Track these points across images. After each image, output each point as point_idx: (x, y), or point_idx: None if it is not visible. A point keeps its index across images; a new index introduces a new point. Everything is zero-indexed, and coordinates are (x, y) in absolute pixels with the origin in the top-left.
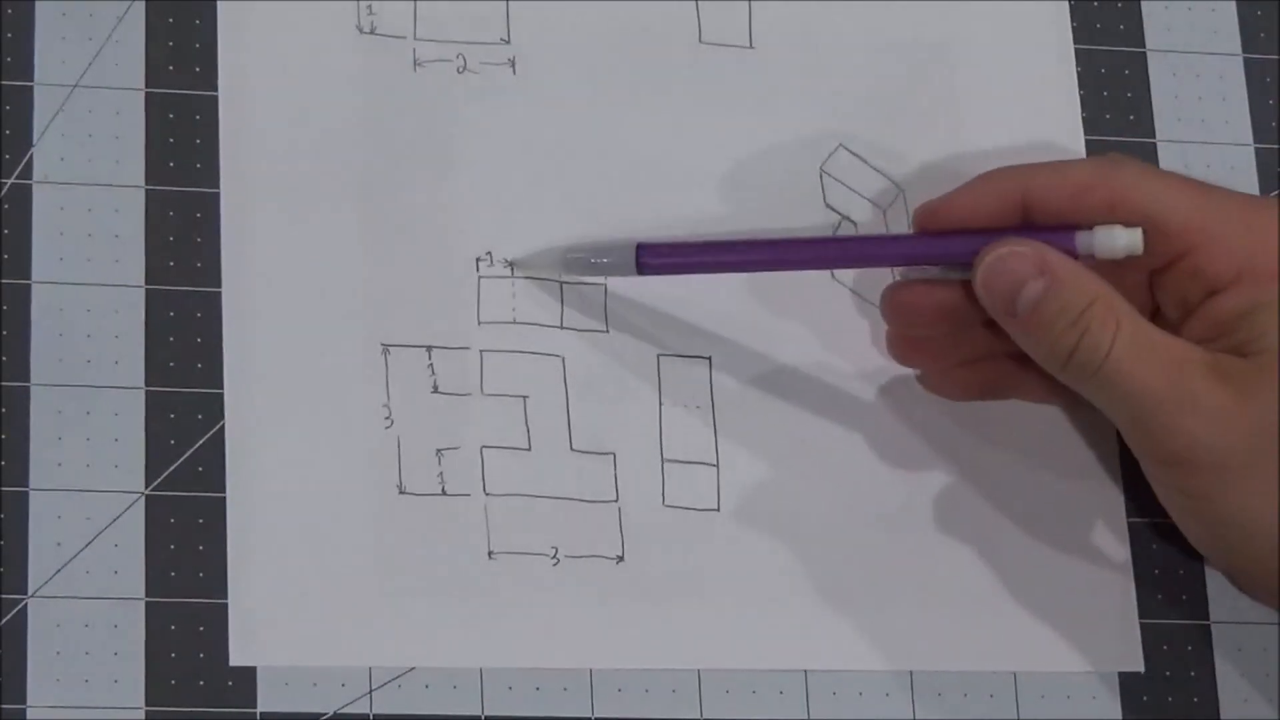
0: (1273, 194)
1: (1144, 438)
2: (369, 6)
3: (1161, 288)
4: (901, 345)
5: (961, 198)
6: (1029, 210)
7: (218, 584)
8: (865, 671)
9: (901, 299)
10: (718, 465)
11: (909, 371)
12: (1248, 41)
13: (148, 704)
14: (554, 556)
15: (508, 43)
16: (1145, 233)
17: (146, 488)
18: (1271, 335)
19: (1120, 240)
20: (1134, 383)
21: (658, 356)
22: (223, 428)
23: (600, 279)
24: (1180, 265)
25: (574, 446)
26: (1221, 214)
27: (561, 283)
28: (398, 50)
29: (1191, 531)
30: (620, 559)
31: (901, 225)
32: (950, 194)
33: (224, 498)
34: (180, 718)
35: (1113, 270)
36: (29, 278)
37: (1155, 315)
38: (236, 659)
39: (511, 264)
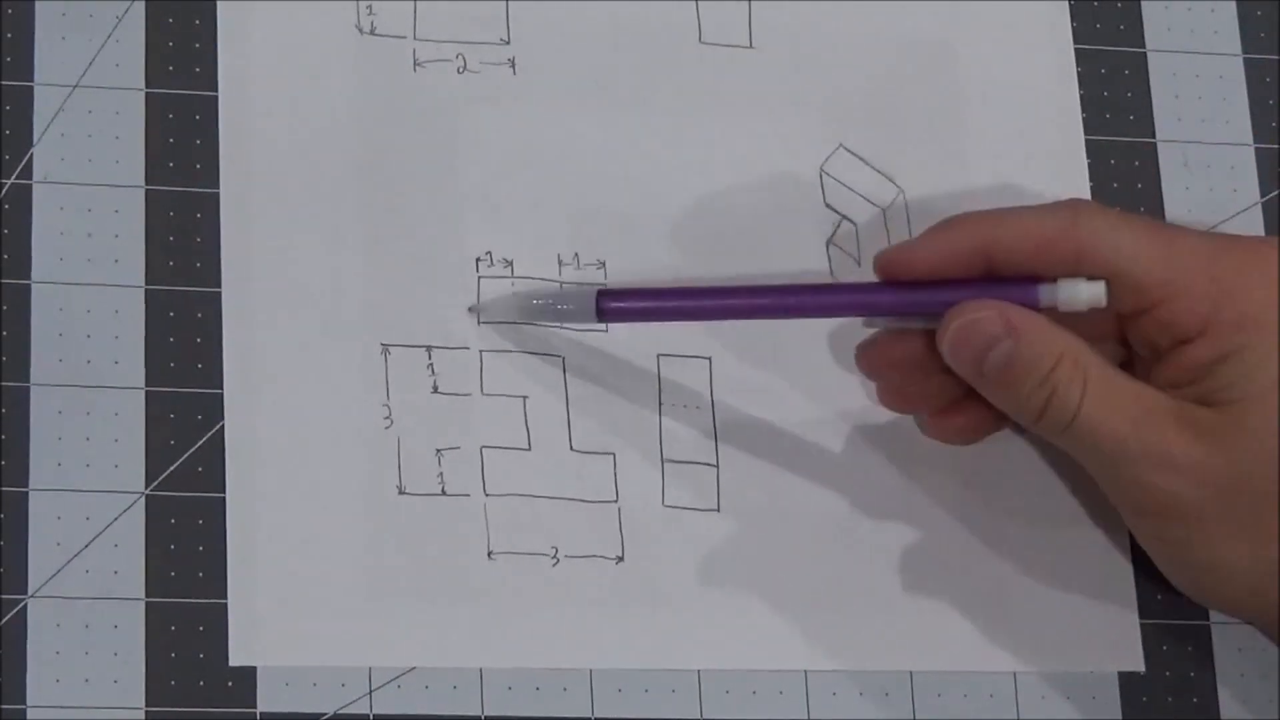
0: (1270, 196)
1: (1118, 490)
2: (369, 6)
3: (1132, 332)
4: (889, 396)
5: (923, 248)
6: (992, 260)
7: (218, 584)
8: (865, 671)
9: (872, 353)
10: (718, 465)
11: None
12: (1248, 41)
13: (148, 704)
14: (554, 556)
15: (508, 43)
16: (1111, 285)
17: (146, 488)
18: (1239, 386)
19: (1083, 294)
20: (1103, 437)
21: (658, 356)
22: (223, 428)
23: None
24: (1148, 316)
25: (574, 446)
26: (1185, 266)
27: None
28: (398, 50)
29: (1172, 576)
30: (620, 559)
31: (901, 225)
32: (912, 243)
33: (224, 498)
34: (180, 718)
35: (1083, 315)
36: (29, 278)
37: (1129, 356)
38: (236, 659)
39: (474, 309)
